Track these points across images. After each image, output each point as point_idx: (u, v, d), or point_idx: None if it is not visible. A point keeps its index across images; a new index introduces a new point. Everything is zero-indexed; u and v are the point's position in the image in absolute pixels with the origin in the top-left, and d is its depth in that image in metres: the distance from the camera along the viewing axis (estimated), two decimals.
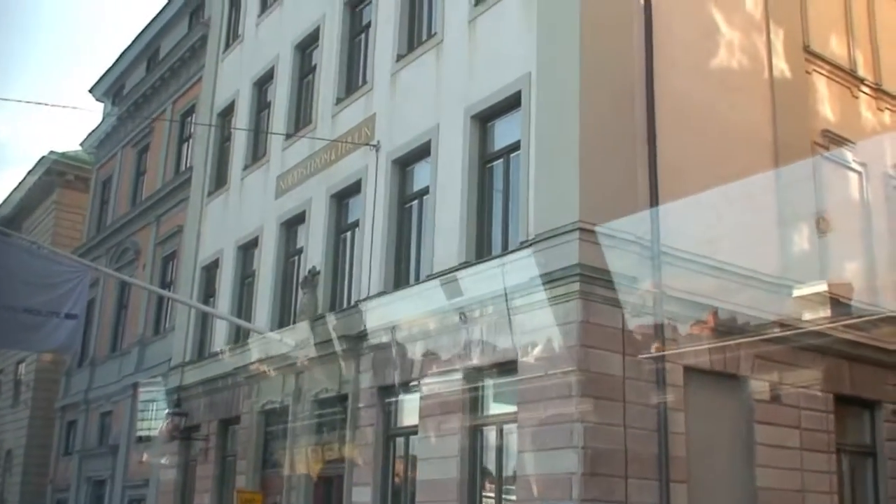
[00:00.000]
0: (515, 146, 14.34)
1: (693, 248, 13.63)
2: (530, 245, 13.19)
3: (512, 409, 13.20)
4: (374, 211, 17.20)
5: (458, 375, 14.12)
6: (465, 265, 14.51)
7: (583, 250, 12.49)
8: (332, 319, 17.42)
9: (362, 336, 16.36)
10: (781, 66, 16.22)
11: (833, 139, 16.64)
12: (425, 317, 14.98)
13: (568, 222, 12.67)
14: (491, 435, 13.79)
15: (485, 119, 15.20)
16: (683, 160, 13.87)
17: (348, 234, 18.47)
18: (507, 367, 13.36)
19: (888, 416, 16.08)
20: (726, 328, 13.83)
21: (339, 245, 18.61)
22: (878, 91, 17.94)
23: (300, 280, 19.13)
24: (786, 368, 14.59)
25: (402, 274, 16.50)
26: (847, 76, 17.45)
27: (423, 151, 16.35)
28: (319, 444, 17.69)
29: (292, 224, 20.54)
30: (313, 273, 18.68)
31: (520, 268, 13.23)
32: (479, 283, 13.98)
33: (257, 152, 23.03)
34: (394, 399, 15.77)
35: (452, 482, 13.74)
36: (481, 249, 14.69)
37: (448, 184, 15.41)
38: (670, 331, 13.18)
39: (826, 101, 16.93)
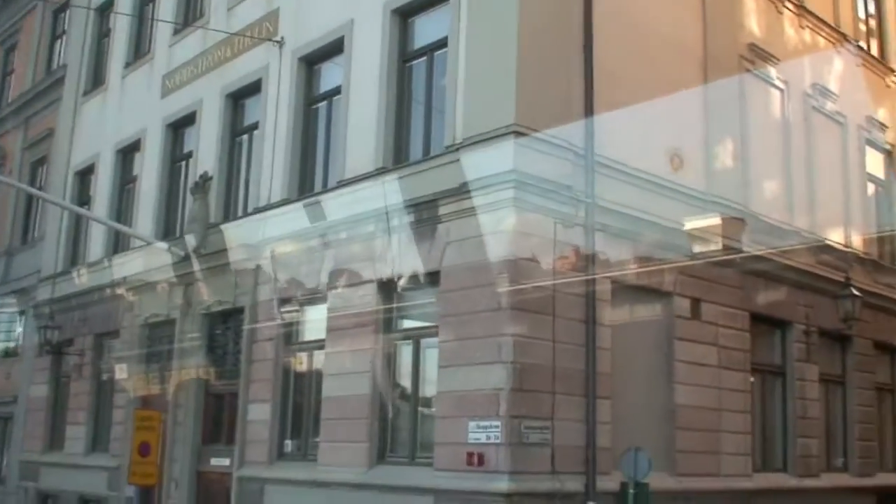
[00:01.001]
0: (441, 43, 13.32)
1: (627, 160, 13.04)
2: (458, 149, 12.30)
3: (432, 322, 12.44)
4: (276, 112, 15.94)
5: (372, 287, 13.24)
6: (382, 171, 13.52)
7: (517, 155, 11.69)
8: (226, 228, 16.21)
9: (261, 245, 15.22)
10: None
11: (759, 54, 16.22)
12: (335, 225, 14.00)
13: (502, 125, 11.82)
14: (407, 350, 13.05)
15: (406, 14, 14.08)
16: (618, 70, 13.14)
17: (245, 137, 17.17)
18: (427, 278, 12.54)
19: (799, 336, 16.01)
20: (656, 243, 13.31)
21: (235, 149, 17.29)
22: (801, 8, 17.56)
23: (190, 186, 17.73)
24: (706, 286, 14.25)
25: (307, 180, 15.40)
26: None
27: (333, 49, 15.15)
28: (210, 359, 16.61)
29: (180, 126, 19.03)
30: (205, 179, 17.34)
31: (445, 173, 12.36)
32: (398, 189, 13.05)
33: (140, 49, 21.24)
34: (297, 311, 14.77)
35: (363, 399, 12.97)
36: (400, 154, 13.72)
37: (363, 84, 14.30)
38: (601, 244, 12.53)
39: (753, 15, 16.44)
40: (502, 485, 10.92)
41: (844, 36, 18.70)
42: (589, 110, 12.71)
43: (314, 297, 14.30)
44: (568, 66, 12.73)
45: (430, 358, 12.49)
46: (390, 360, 13.11)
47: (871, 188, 19.05)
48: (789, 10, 17.37)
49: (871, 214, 18.87)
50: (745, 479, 14.22)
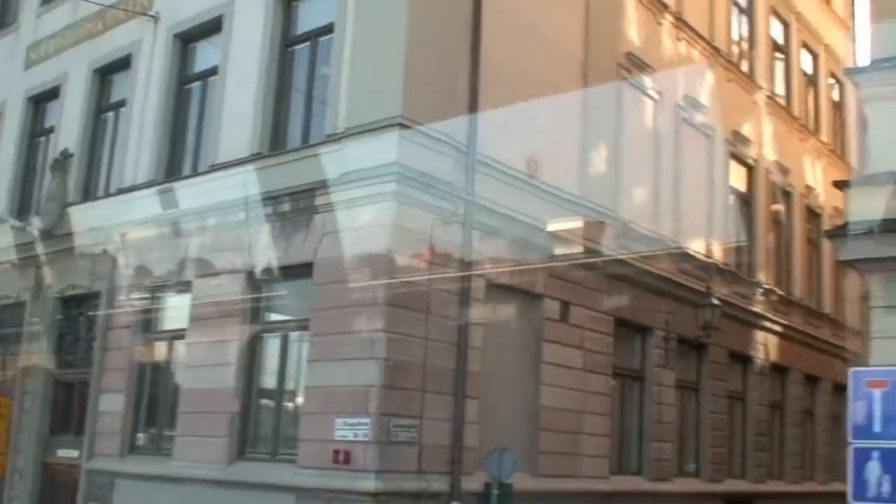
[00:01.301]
0: (326, 29, 13.00)
1: (507, 160, 13.03)
2: (340, 139, 12.02)
3: (302, 315, 12.14)
4: (146, 90, 15.33)
5: (240, 276, 12.83)
6: (258, 157, 13.12)
7: (401, 148, 11.50)
8: (84, 208, 15.47)
9: (121, 228, 14.57)
10: None
11: (636, 63, 16.47)
12: (204, 210, 13.50)
13: (387, 117, 11.61)
14: (274, 343, 12.73)
15: None
16: (504, 69, 13.11)
17: (111, 114, 16.44)
18: (299, 270, 12.21)
19: (658, 342, 16.35)
20: (530, 244, 13.35)
21: (99, 126, 16.55)
22: (679, 20, 17.94)
23: (50, 163, 16.86)
24: (574, 289, 14.38)
25: (176, 162, 14.85)
26: (654, 1, 17.27)
27: (211, 27, 14.64)
28: (61, 346, 15.84)
29: (43, 100, 18.12)
30: (65, 156, 16.54)
31: (325, 163, 12.06)
32: (274, 177, 12.70)
33: (5, 18, 20.10)
34: (157, 299, 14.20)
35: (225, 392, 12.56)
36: (277, 141, 13.35)
37: (241, 66, 13.86)
38: (478, 243, 12.47)
39: (633, 24, 16.67)
40: (369, 484, 10.72)
41: (718, 51, 19.20)
42: (474, 107, 12.63)
43: (177, 285, 13.81)
44: (455, 61, 12.62)
45: (299, 352, 12.20)
46: (255, 353, 12.75)
47: (732, 201, 19.61)
48: (668, 21, 17.72)
49: (731, 226, 19.43)
50: (603, 482, 14.42)
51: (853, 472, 7.60)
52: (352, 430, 10.98)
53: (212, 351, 12.84)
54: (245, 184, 12.90)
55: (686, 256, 17.25)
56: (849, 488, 7.62)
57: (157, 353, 14.26)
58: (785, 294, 21.02)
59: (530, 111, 13.22)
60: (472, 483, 11.85)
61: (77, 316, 15.55)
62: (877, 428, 7.50)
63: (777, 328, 20.44)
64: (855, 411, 7.67)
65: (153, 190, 14.39)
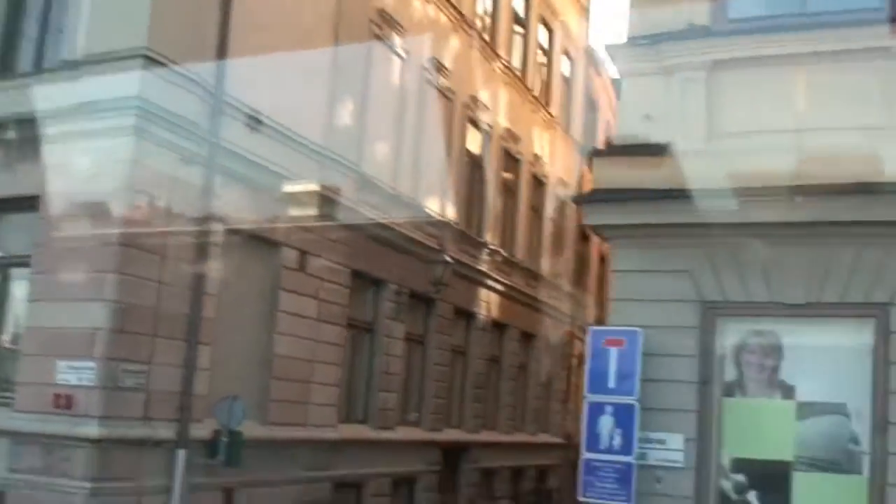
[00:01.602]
0: None
1: (257, 106, 12.79)
2: (79, 66, 11.33)
3: (24, 251, 11.40)
4: None
5: None
6: None
7: (145, 82, 11.02)
8: None
9: None
10: None
11: (387, 21, 16.56)
12: None
13: (131, 47, 11.06)
14: None
15: None
16: (257, 15, 12.80)
17: None
18: (23, 202, 11.46)
19: (391, 296, 16.71)
20: (273, 193, 13.21)
21: None
22: None
23: None
24: (314, 240, 14.37)
25: None
26: None
27: None
28: None
29: None
30: None
31: (59, 90, 11.35)
32: (6, 102, 11.77)
33: None
34: None
35: None
36: (6, 63, 12.36)
37: None
38: (221, 188, 12.19)
39: None
40: (91, 430, 10.32)
41: (463, 18, 19.65)
42: (223, 49, 12.27)
43: None
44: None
45: (19, 290, 11.46)
46: None
47: (466, 163, 20.24)
48: None
49: (464, 188, 20.08)
50: (331, 430, 14.64)
51: (587, 425, 8.17)
52: (75, 373, 10.51)
53: None
54: None
55: (422, 214, 17.66)
56: (582, 440, 8.17)
57: None
58: (508, 255, 22.04)
59: (282, 60, 12.99)
60: (201, 431, 11.68)
61: None
62: (611, 384, 8.08)
63: (499, 287, 21.43)
64: (592, 367, 8.22)
65: None
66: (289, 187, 13.69)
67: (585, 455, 8.14)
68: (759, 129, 8.26)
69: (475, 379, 20.23)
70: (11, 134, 11.63)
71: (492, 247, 20.97)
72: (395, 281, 16.81)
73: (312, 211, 14.24)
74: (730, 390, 8.18)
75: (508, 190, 22.48)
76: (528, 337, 23.53)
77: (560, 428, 25.31)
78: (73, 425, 10.37)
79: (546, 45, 25.36)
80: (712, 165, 8.31)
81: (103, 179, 10.98)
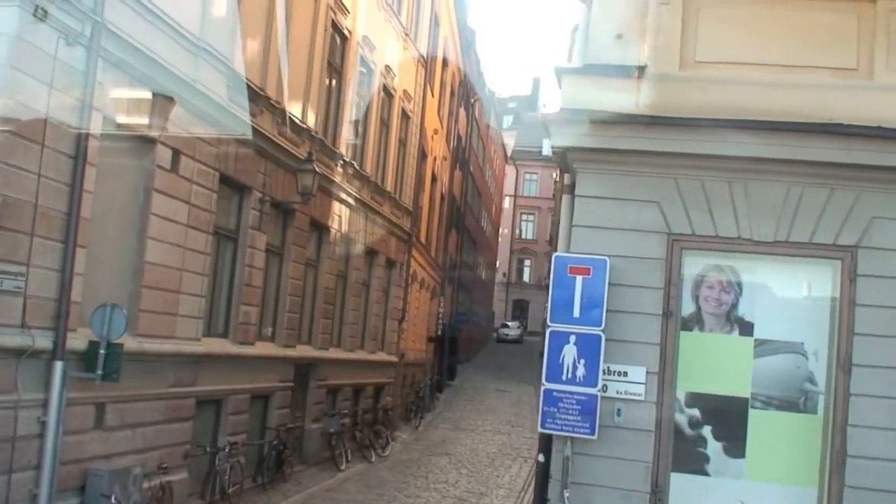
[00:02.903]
0: None
1: None
2: None
3: None
4: None
5: None
6: None
7: None
8: None
9: None
10: None
11: None
12: None
13: None
14: None
15: None
16: None
17: None
18: None
19: (255, 204, 15.80)
20: (152, 82, 12.02)
21: None
22: None
23: None
24: (186, 139, 13.28)
25: None
26: None
27: None
28: None
29: None
30: None
31: None
32: None
33: None
34: None
35: None
36: None
37: None
38: (101, 73, 10.94)
39: None
40: None
41: None
42: None
43: None
44: None
45: None
46: None
47: (326, 68, 19.33)
48: None
49: (324, 95, 19.21)
50: (196, 343, 13.75)
51: (548, 355, 7.82)
52: None
53: None
54: None
55: (285, 118, 16.74)
56: (544, 370, 7.85)
57: None
58: (359, 168, 21.41)
59: None
60: (75, 341, 10.63)
61: None
62: (576, 313, 7.77)
63: (350, 201, 20.81)
64: (555, 296, 7.87)
65: None
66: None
67: (546, 385, 7.83)
68: (735, 60, 8.05)
69: (324, 295, 19.63)
70: None
71: (345, 159, 20.25)
72: (259, 188, 15.89)
73: (188, 108, 13.14)
74: (687, 325, 8.07)
75: (360, 99, 21.73)
76: (372, 253, 23.10)
77: (394, 346, 25.18)
78: None
79: None
80: (685, 94, 8.07)
81: None
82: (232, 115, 14.43)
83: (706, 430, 8.03)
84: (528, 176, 74.48)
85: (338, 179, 19.79)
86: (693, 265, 8.12)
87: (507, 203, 71.46)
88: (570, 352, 7.79)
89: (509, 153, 68.72)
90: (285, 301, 17.44)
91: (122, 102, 11.63)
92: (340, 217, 20.33)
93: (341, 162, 20.03)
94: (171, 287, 13.03)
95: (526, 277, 73.61)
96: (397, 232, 25.29)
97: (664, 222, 8.05)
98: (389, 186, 24.25)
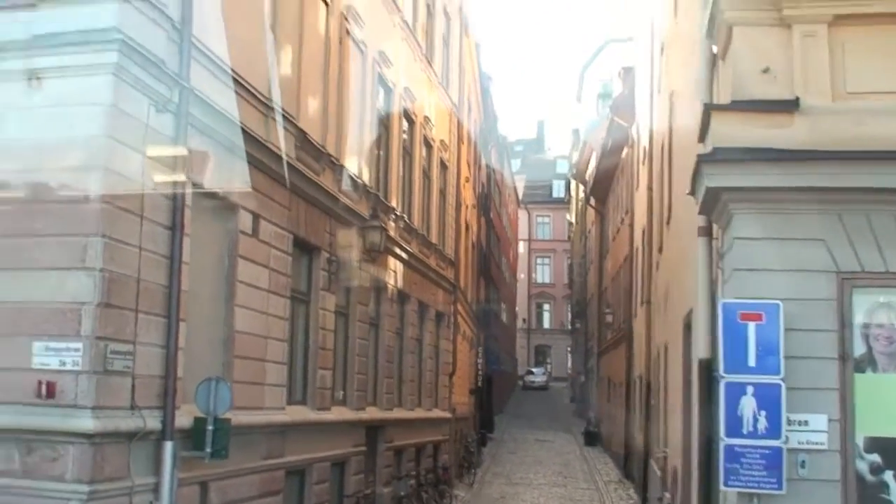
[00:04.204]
0: None
1: (210, 45, 11.20)
2: None
3: None
4: None
5: None
6: None
7: (122, 13, 9.30)
8: None
9: None
10: None
11: None
12: None
13: None
14: None
15: None
16: None
17: None
18: None
19: (324, 264, 15.39)
20: (231, 146, 11.66)
21: None
22: None
23: None
24: (263, 201, 12.91)
25: None
26: None
27: None
28: None
29: None
30: None
31: (9, 21, 9.41)
32: None
33: None
34: None
35: None
36: None
37: None
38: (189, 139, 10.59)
39: None
40: (85, 422, 8.63)
41: None
42: None
43: None
44: None
45: None
46: None
47: (375, 121, 19.03)
48: None
49: (374, 149, 18.90)
50: (281, 413, 13.25)
51: (726, 408, 7.39)
52: (57, 356, 8.76)
53: None
54: None
55: (346, 175, 16.41)
56: (721, 425, 7.41)
57: None
58: (408, 221, 21.05)
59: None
60: (181, 419, 10.14)
61: None
62: (751, 362, 7.35)
63: (403, 255, 20.41)
64: (727, 345, 7.46)
65: None
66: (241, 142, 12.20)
67: (726, 441, 7.38)
68: (889, 90, 7.72)
69: (386, 353, 19.16)
70: None
71: (397, 212, 19.90)
72: (326, 248, 15.49)
73: (263, 169, 12.81)
74: (860, 366, 7.64)
75: (405, 152, 21.43)
76: (423, 306, 22.65)
77: (446, 401, 24.66)
78: (62, 418, 8.63)
79: (429, 2, 24.40)
80: (840, 125, 7.71)
81: (75, 125, 9.19)
82: (301, 174, 14.13)
83: (888, 476, 7.57)
84: (540, 219, 74.31)
85: (393, 234, 19.40)
86: (862, 303, 7.70)
87: (521, 247, 71.16)
88: (748, 403, 7.35)
89: (520, 197, 68.57)
90: (354, 362, 16.95)
91: (206, 168, 11.25)
92: (396, 272, 19.91)
93: (394, 216, 19.65)
94: (258, 355, 12.57)
95: (546, 323, 73.09)
96: (443, 284, 24.87)
97: (831, 260, 7.65)
98: (434, 238, 23.87)
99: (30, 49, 9.27)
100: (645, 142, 24.09)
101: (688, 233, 11.07)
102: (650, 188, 21.52)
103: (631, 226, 28.07)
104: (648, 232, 21.83)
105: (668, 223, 17.07)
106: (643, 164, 24.10)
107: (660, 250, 19.19)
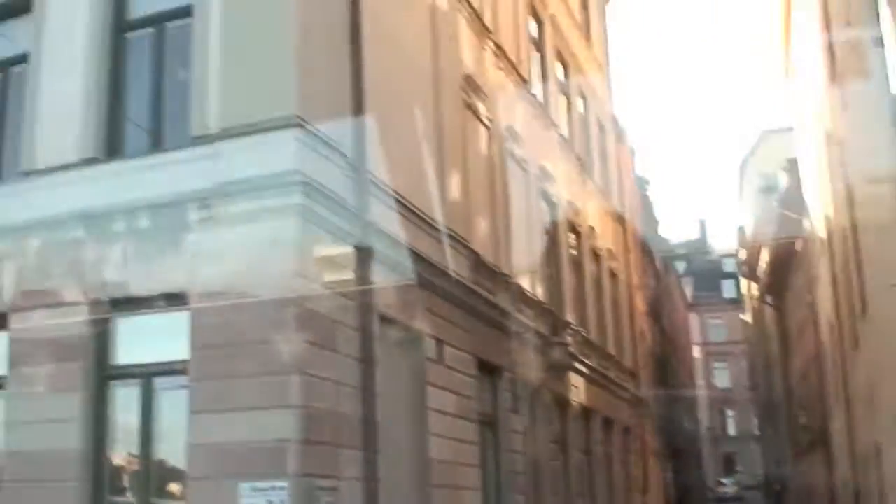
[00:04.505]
0: (183, 11, 10.77)
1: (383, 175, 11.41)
2: (214, 141, 9.85)
3: (176, 356, 9.70)
4: None
5: (82, 309, 10.16)
6: (92, 161, 10.58)
7: (300, 153, 9.61)
8: None
9: None
10: None
11: (473, 87, 15.44)
12: (23, 228, 10.64)
13: (280, 115, 9.64)
14: (132, 392, 10.07)
15: None
16: (375, 74, 11.53)
17: None
18: (166, 299, 9.84)
19: (507, 385, 15.20)
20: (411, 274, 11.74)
21: None
22: (499, 48, 17.16)
23: None
24: (445, 326, 12.91)
25: None
26: (480, 24, 16.32)
27: (16, 6, 11.76)
28: None
29: None
30: None
31: (198, 169, 9.84)
32: (119, 186, 10.24)
33: None
34: None
35: (68, 455, 9.77)
36: (114, 143, 10.84)
37: (61, 53, 11.19)
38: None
39: (466, 45, 15.64)
40: None
41: (525, 83, 18.66)
42: (359, 112, 10.97)
43: None
44: (339, 62, 10.93)
45: (172, 402, 9.74)
46: (107, 406, 10.06)
47: (543, 237, 19.03)
48: (490, 48, 16.87)
49: (546, 264, 18.81)
50: None
51: None
52: (264, 496, 8.79)
53: (45, 403, 10.02)
54: (79, 195, 10.34)
55: (521, 294, 16.33)
56: None
57: None
58: (585, 335, 20.70)
59: (397, 128, 11.85)
60: None
61: None
62: None
63: (583, 370, 20.01)
64: None
65: None
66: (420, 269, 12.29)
67: None
68: None
69: (577, 474, 18.61)
70: (143, 222, 10.04)
71: (574, 326, 19.59)
72: (508, 368, 15.31)
73: (441, 294, 12.85)
74: None
75: (576, 265, 21.24)
76: (608, 423, 22.04)
77: None
78: None
79: (583, 114, 24.53)
80: None
81: (266, 266, 9.44)
82: (478, 295, 14.11)
83: None
84: (712, 321, 72.13)
85: (572, 349, 19.07)
86: None
87: (695, 351, 69.12)
88: None
89: (689, 299, 66.96)
90: (545, 486, 16.50)
91: (390, 297, 11.34)
92: (578, 388, 19.50)
93: (570, 330, 19.35)
94: (454, 483, 12.37)
95: (730, 429, 70.12)
96: (625, 396, 24.23)
97: None
98: (612, 349, 23.38)
99: (216, 196, 9.64)
100: (822, 233, 23.19)
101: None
102: (834, 281, 20.57)
103: (815, 322, 26.86)
104: (838, 327, 20.76)
105: (863, 315, 16.19)
106: (822, 256, 23.15)
107: (855, 345, 18.18)
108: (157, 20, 11.08)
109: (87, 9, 11.15)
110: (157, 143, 10.71)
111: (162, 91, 10.92)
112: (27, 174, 10.89)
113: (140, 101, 11.02)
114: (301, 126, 9.65)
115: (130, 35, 11.24)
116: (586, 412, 20.09)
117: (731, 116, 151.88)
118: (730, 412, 70.41)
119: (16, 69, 11.72)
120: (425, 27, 13.91)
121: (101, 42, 11.04)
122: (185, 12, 10.72)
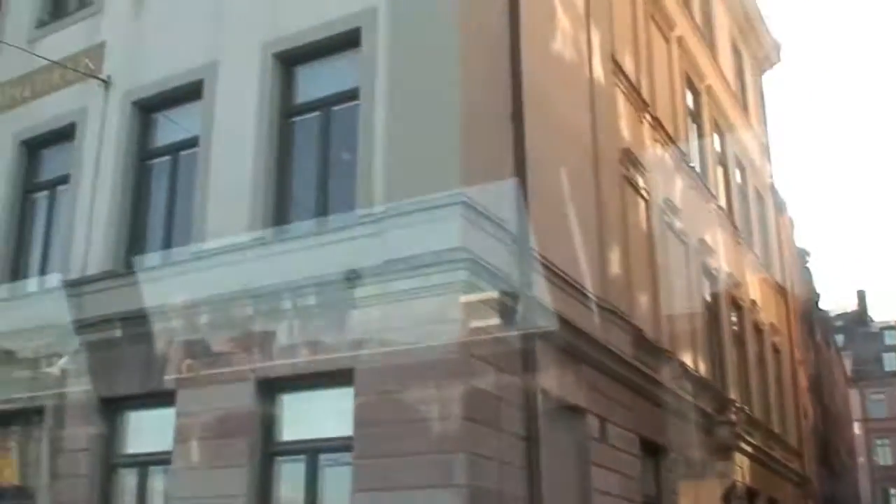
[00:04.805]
0: (346, 96, 11.06)
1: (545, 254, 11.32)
2: (380, 219, 9.97)
3: (339, 434, 9.75)
4: (96, 165, 12.80)
5: (248, 386, 10.37)
6: (260, 241, 10.88)
7: (466, 231, 9.60)
8: (18, 304, 12.62)
9: (77, 327, 11.81)
10: (598, 69, 14.54)
11: (631, 160, 15.28)
12: (189, 305, 11.00)
13: (445, 194, 9.69)
14: (297, 468, 10.15)
15: (293, 60, 11.71)
16: (537, 150, 11.51)
17: (44, 193, 13.72)
18: (332, 377, 9.92)
19: (671, 465, 14.68)
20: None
21: (28, 207, 13.76)
22: (656, 120, 16.96)
23: None
24: (608, 404, 12.60)
25: (138, 248, 12.27)
26: (637, 98, 16.20)
27: (187, 93, 12.35)
28: None
29: None
30: None
31: (362, 247, 9.96)
32: (286, 264, 10.47)
33: None
34: (128, 415, 11.46)
35: None
36: (282, 222, 11.13)
37: (230, 137, 11.66)
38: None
39: (624, 119, 15.52)
40: None
41: (684, 156, 18.36)
42: (522, 190, 10.93)
43: (153, 396, 11.10)
44: (499, 137, 10.96)
45: (336, 479, 9.77)
46: (270, 482, 10.18)
47: (704, 311, 18.48)
48: (647, 121, 16.69)
49: (708, 340, 18.23)
50: None
51: None
52: None
53: (209, 480, 10.20)
54: (247, 273, 10.60)
55: (681, 369, 15.84)
56: None
57: (128, 481, 11.34)
58: (749, 413, 19.90)
59: (558, 203, 11.79)
60: None
61: (12, 436, 12.45)
62: None
63: (749, 450, 19.19)
64: None
65: (115, 282, 11.77)
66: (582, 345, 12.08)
67: None
68: None
69: None
70: (310, 300, 10.20)
71: (737, 404, 18.84)
72: (672, 447, 14.80)
73: (605, 371, 12.58)
74: None
75: (738, 340, 20.54)
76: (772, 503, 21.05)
77: None
78: None
79: (741, 185, 23.94)
80: None
81: (432, 344, 9.40)
82: (640, 372, 13.78)
83: None
84: (873, 396, 68.62)
85: (737, 428, 18.33)
86: None
87: (856, 428, 65.71)
88: None
89: (848, 374, 63.91)
90: None
91: (553, 374, 11.14)
92: (742, 468, 18.70)
93: (734, 408, 18.62)
94: None
95: None
96: (791, 476, 23.11)
97: None
98: (776, 428, 22.39)
99: (382, 273, 9.71)
100: None
101: None
102: None
103: None
104: None
105: None
106: None
107: None
108: (323, 104, 11.41)
109: (255, 95, 11.61)
110: (322, 223, 10.90)
111: (328, 171, 11.19)
112: (197, 253, 11.25)
113: (306, 182, 11.32)
114: (465, 203, 9.67)
115: (297, 119, 11.60)
116: (752, 493, 19.20)
117: (892, 182, 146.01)
118: (893, 490, 66.44)
119: (184, 153, 12.24)
120: (584, 103, 13.88)
121: (268, 126, 11.44)
122: (350, 96, 11.02)
